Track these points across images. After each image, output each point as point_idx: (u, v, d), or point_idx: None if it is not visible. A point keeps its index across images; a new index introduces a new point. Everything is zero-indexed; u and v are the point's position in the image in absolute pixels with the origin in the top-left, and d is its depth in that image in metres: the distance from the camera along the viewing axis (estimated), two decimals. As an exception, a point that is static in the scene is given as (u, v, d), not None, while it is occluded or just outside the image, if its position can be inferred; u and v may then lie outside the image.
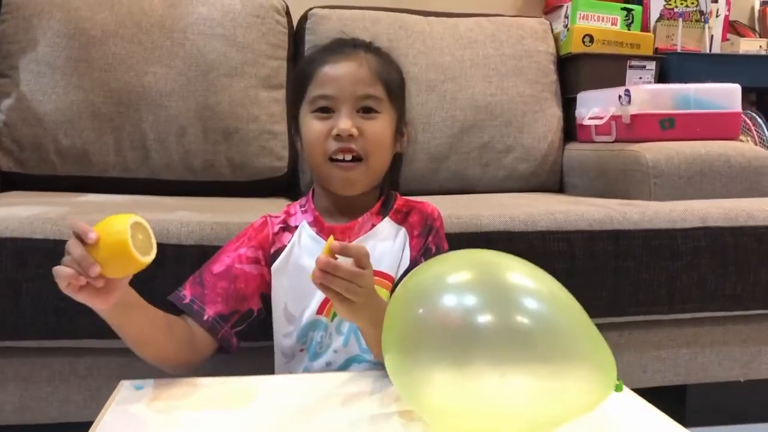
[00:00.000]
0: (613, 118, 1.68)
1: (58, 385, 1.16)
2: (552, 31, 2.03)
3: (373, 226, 1.00)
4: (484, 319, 0.66)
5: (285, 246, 1.00)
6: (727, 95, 1.62)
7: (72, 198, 1.45)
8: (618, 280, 1.26)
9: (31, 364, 1.15)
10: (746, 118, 1.80)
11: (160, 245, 1.11)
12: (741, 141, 1.70)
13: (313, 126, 0.96)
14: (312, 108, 0.97)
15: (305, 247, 0.99)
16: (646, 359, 1.35)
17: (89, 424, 0.75)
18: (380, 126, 0.97)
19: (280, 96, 1.80)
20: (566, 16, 2.04)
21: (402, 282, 0.73)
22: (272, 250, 1.00)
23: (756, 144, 1.77)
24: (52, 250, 1.09)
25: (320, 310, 0.98)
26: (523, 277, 0.71)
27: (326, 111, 0.96)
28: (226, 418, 0.75)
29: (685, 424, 1.42)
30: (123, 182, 1.68)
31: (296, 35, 1.89)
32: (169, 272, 1.12)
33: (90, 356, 1.16)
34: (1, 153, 1.64)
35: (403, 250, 0.99)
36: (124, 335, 0.87)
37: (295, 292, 0.99)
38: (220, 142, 1.72)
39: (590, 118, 1.77)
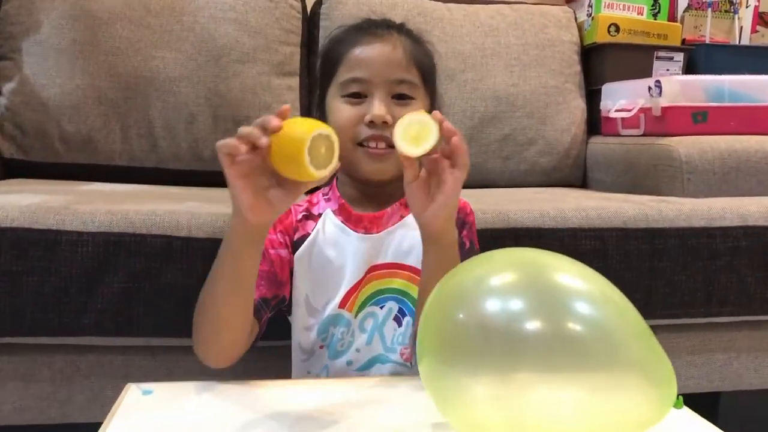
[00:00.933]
0: (642, 110, 1.60)
1: (59, 385, 1.10)
2: (576, 20, 1.95)
3: (402, 217, 0.94)
4: (531, 325, 0.59)
5: (308, 234, 0.93)
6: (763, 88, 1.54)
7: (76, 186, 1.39)
8: (653, 281, 1.19)
9: (32, 361, 1.08)
10: (782, 113, 1.72)
11: (168, 237, 1.06)
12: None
13: (343, 111, 0.90)
14: (343, 92, 0.90)
15: (330, 236, 0.93)
16: (678, 365, 1.27)
17: (92, 425, 0.70)
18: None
19: (294, 83, 1.74)
20: (590, 5, 1.96)
21: (439, 283, 0.66)
22: (296, 237, 0.94)
23: (792, 139, 1.69)
24: (54, 241, 1.02)
25: (343, 304, 0.92)
26: (574, 278, 0.64)
27: (358, 96, 0.89)
28: (242, 426, 0.69)
29: (717, 432, 1.35)
30: (129, 171, 1.61)
31: (310, 20, 1.82)
32: (180, 266, 1.06)
33: (93, 354, 1.10)
34: (2, 139, 1.57)
35: None
36: (236, 272, 0.78)
37: (318, 283, 0.92)
38: (230, 131, 1.61)
39: (617, 111, 1.69)
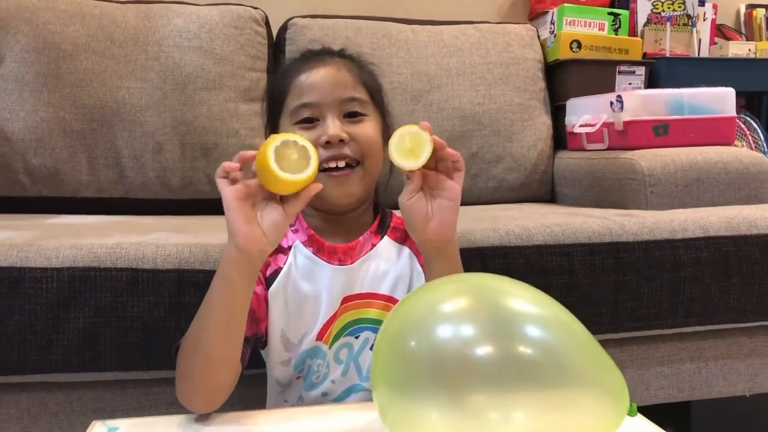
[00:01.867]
0: (605, 125, 1.63)
1: (27, 424, 1.08)
2: (539, 37, 1.98)
3: (373, 245, 0.94)
4: (482, 349, 0.60)
5: (280, 268, 0.92)
6: (721, 99, 1.58)
7: (41, 220, 1.38)
8: (619, 295, 1.20)
9: (-2, 401, 1.07)
10: (740, 123, 1.76)
11: (134, 270, 1.05)
12: (736, 146, 1.66)
13: None
14: (294, 120, 0.90)
15: (303, 269, 0.92)
16: (648, 376, 1.29)
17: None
18: (370, 128, 0.91)
19: (260, 109, 1.74)
20: (552, 22, 2.00)
21: (391, 311, 0.66)
22: (268, 273, 0.92)
23: (751, 148, 1.74)
24: (18, 278, 1.01)
25: (320, 336, 0.91)
26: (522, 302, 0.65)
27: (310, 121, 0.89)
28: None
29: (689, 441, 1.37)
30: (97, 202, 1.61)
31: (276, 46, 1.83)
32: (146, 298, 1.05)
33: (61, 391, 1.08)
34: (-33, 174, 1.56)
35: (412, 270, 0.94)
36: (229, 303, 0.79)
37: (294, 316, 0.91)
38: (198, 158, 1.66)
39: (581, 126, 1.72)
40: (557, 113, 1.90)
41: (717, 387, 1.33)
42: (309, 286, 0.91)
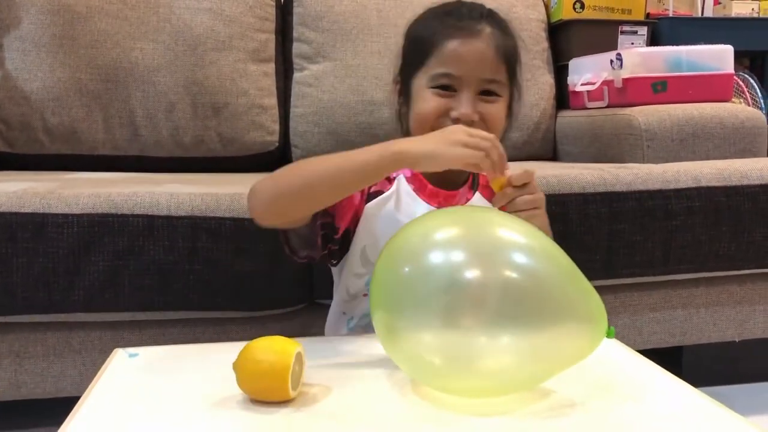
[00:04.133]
0: (605, 83, 1.66)
1: (53, 360, 1.16)
2: (542, -2, 2.01)
3: (468, 200, 0.99)
4: (471, 274, 0.65)
5: (383, 191, 0.95)
6: (720, 56, 1.60)
7: (61, 175, 1.44)
8: (612, 243, 1.25)
9: (25, 339, 1.15)
10: (739, 80, 1.79)
11: (149, 217, 1.12)
12: (734, 103, 1.69)
13: (431, 101, 0.91)
14: (432, 83, 0.91)
15: (403, 201, 0.95)
16: (641, 321, 1.35)
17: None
18: (499, 110, 0.93)
19: (269, 69, 1.79)
20: (556, -17, 2.02)
21: (388, 240, 0.72)
22: (372, 190, 0.95)
23: (749, 105, 1.76)
24: (41, 223, 1.08)
25: None
26: (510, 231, 0.69)
27: (446, 88, 0.91)
28: (225, 383, 0.70)
29: (681, 385, 1.43)
30: (113, 160, 1.67)
31: (284, 7, 1.87)
32: (161, 243, 1.11)
33: (83, 330, 1.16)
34: (-12, 133, 1.62)
35: None
36: (354, 185, 0.85)
37: (379, 239, 0.93)
38: (209, 117, 1.71)
39: (582, 84, 1.75)
40: (561, 73, 1.93)
41: (707, 333, 1.38)
42: (405, 218, 0.92)
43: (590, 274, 1.28)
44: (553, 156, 1.90)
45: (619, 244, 1.26)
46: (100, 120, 1.66)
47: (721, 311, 1.38)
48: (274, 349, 0.67)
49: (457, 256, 0.67)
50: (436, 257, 0.67)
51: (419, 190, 0.96)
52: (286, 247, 0.93)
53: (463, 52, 0.89)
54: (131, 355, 0.85)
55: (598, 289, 1.33)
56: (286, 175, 0.86)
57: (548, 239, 0.70)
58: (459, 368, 0.65)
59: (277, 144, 1.76)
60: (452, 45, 0.90)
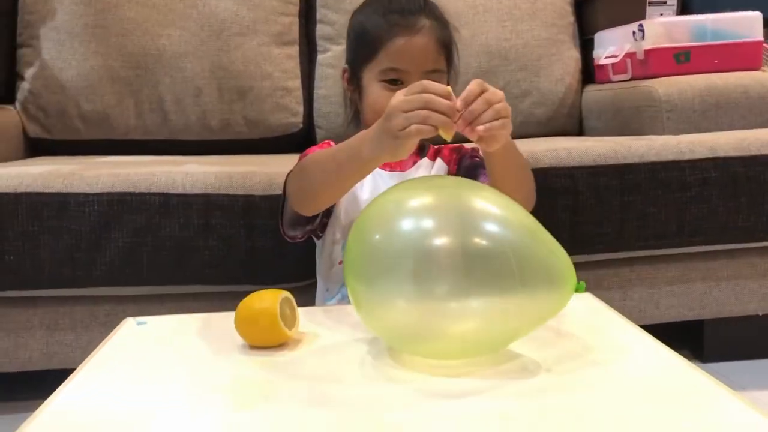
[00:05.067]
0: (628, 55, 1.64)
1: (80, 332, 1.23)
2: (569, -29, 1.98)
3: (414, 162, 1.10)
4: (441, 241, 0.66)
5: None
6: (747, 24, 1.56)
7: (90, 159, 1.51)
8: (624, 214, 1.24)
9: (54, 312, 1.22)
10: (769, 48, 1.73)
11: (165, 195, 1.17)
12: (764, 71, 1.64)
13: (381, 95, 1.01)
14: (381, 77, 1.02)
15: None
16: (658, 295, 1.33)
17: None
18: None
19: (293, 52, 1.82)
20: (584, -44, 1.98)
21: (362, 210, 0.74)
22: None
23: (780, 74, 1.70)
24: (64, 202, 1.14)
25: None
26: (480, 200, 0.70)
27: (394, 82, 1.01)
28: (230, 352, 0.75)
29: (703, 360, 1.41)
30: (144, 144, 1.74)
31: (307, -10, 1.90)
32: (176, 220, 1.16)
33: (109, 304, 1.22)
34: (27, 120, 1.71)
35: (447, 172, 1.10)
36: (355, 177, 0.91)
37: (351, 204, 1.05)
38: (235, 101, 1.76)
39: (606, 57, 1.73)
40: (587, 47, 1.91)
41: (728, 306, 1.36)
42: (371, 186, 1.05)
43: (602, 247, 1.29)
44: (580, 131, 1.88)
45: (632, 216, 1.25)
46: (131, 106, 1.72)
47: (743, 284, 1.35)
48: (265, 296, 0.77)
49: (425, 223, 0.68)
50: (405, 225, 0.69)
51: None
52: (280, 226, 1.02)
53: (408, 48, 1.00)
54: (139, 323, 0.89)
55: (611, 261, 1.33)
56: (304, 174, 0.95)
57: (515, 203, 0.71)
58: (428, 332, 0.67)
59: (301, 125, 1.80)
60: (398, 42, 1.01)
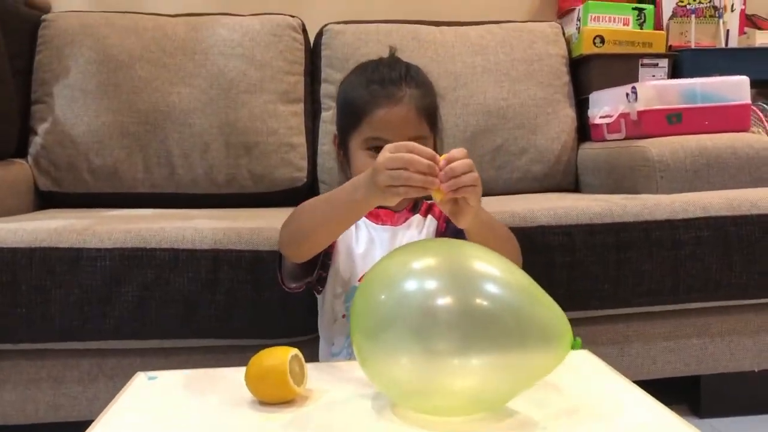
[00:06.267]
0: (622, 115, 1.70)
1: (87, 385, 1.25)
2: (564, 34, 2.06)
3: (406, 219, 1.13)
4: (443, 300, 0.69)
5: None
6: (735, 87, 1.62)
7: (101, 212, 1.55)
8: (620, 272, 1.28)
9: (62, 365, 1.24)
10: (757, 110, 1.79)
11: (174, 250, 1.20)
12: (753, 133, 1.70)
13: (366, 162, 1.04)
14: (365, 146, 1.08)
15: (361, 226, 1.11)
16: (655, 350, 1.36)
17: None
18: None
19: (299, 109, 1.88)
20: (578, 19, 2.07)
21: (371, 269, 0.77)
22: None
23: (768, 135, 1.76)
24: (77, 257, 1.18)
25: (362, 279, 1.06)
26: (481, 262, 0.74)
27: (379, 150, 1.02)
28: (240, 406, 0.78)
29: (700, 415, 1.43)
30: (152, 197, 1.78)
31: (313, 51, 1.97)
32: (185, 275, 1.20)
33: (115, 357, 1.24)
34: (39, 173, 1.75)
35: (437, 228, 1.13)
36: (348, 221, 0.96)
37: (350, 258, 1.08)
38: (241, 156, 1.81)
39: (601, 117, 1.79)
40: (582, 106, 1.97)
41: (724, 362, 1.39)
42: (366, 239, 1.10)
43: (599, 303, 1.32)
44: (576, 188, 1.93)
45: (627, 273, 1.28)
46: (140, 160, 1.77)
47: (738, 340, 1.38)
48: (275, 353, 0.80)
49: (428, 284, 0.72)
50: (409, 285, 0.72)
51: (369, 214, 1.10)
52: (279, 277, 1.06)
53: (389, 118, 1.05)
54: (150, 378, 0.92)
55: (608, 318, 1.36)
56: (298, 218, 1.00)
57: (513, 265, 0.75)
58: (429, 387, 0.70)
59: (305, 180, 1.85)
60: (379, 114, 1.06)
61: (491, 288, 0.71)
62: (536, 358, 0.70)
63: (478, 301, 0.70)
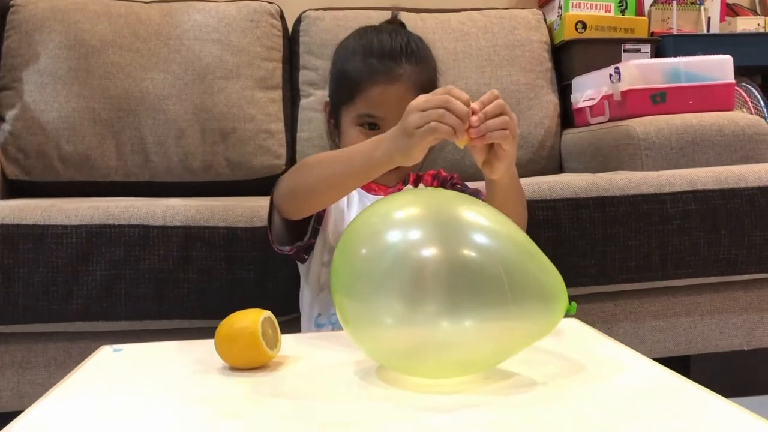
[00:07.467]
0: (605, 97, 1.67)
1: (54, 371, 1.19)
2: (546, 21, 2.04)
3: (399, 190, 1.09)
4: (429, 252, 0.64)
5: None
6: (719, 67, 1.61)
7: (71, 202, 1.49)
8: (607, 247, 1.25)
9: (27, 350, 1.18)
10: (741, 90, 1.78)
11: (145, 227, 1.15)
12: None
13: (358, 138, 1.00)
14: (359, 121, 1.03)
15: (353, 196, 1.07)
16: (643, 330, 1.32)
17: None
18: None
19: (276, 96, 1.84)
20: (560, 7, 2.05)
21: (350, 223, 0.73)
22: None
23: (752, 115, 1.75)
24: (41, 235, 1.12)
25: None
26: (469, 212, 0.69)
27: (372, 126, 1.02)
28: (210, 372, 0.74)
29: (690, 397, 1.39)
30: (125, 186, 1.73)
31: (291, 37, 1.93)
32: (156, 253, 1.14)
33: (84, 341, 1.19)
34: (7, 161, 1.69)
35: None
36: (362, 179, 0.90)
37: (338, 226, 1.04)
38: (218, 143, 1.76)
39: (584, 101, 1.77)
40: (565, 93, 1.95)
41: (714, 341, 1.35)
42: (357, 208, 1.05)
43: (585, 280, 1.29)
44: (560, 173, 1.90)
45: (614, 249, 1.25)
46: (113, 147, 1.72)
47: (728, 318, 1.35)
48: (246, 315, 0.76)
49: (414, 235, 0.66)
50: (393, 237, 0.67)
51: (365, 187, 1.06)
52: (270, 236, 1.01)
53: (386, 97, 1.00)
54: (116, 350, 0.87)
55: (595, 295, 1.33)
56: (306, 171, 0.94)
57: (507, 219, 0.71)
58: (416, 349, 0.65)
59: (284, 167, 1.80)
60: (375, 90, 1.01)
61: (480, 239, 0.66)
62: (530, 319, 0.65)
63: (468, 253, 0.64)
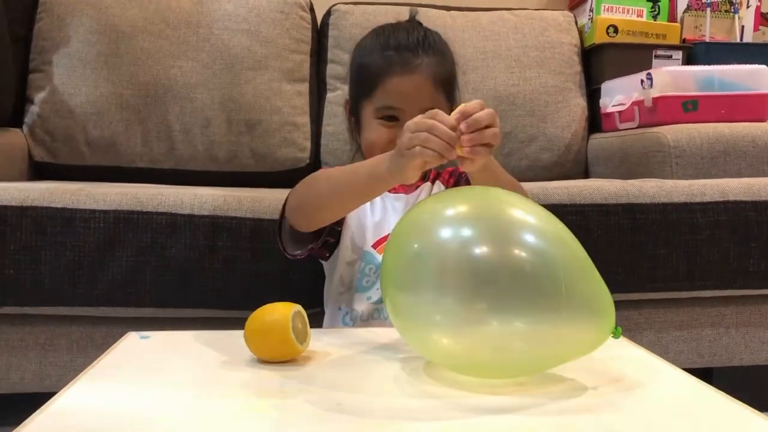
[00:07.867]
0: (636, 103, 1.65)
1: (76, 354, 1.19)
2: (576, 24, 2.02)
3: (418, 187, 1.10)
4: (480, 250, 0.63)
5: None
6: (754, 76, 1.58)
7: (100, 186, 1.50)
8: (634, 255, 1.23)
9: (50, 332, 1.18)
10: (775, 101, 1.75)
11: (172, 215, 1.15)
12: (770, 124, 1.66)
13: (378, 131, 1.03)
14: (379, 114, 1.04)
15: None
16: (667, 339, 1.31)
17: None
18: None
19: (303, 89, 1.83)
20: (591, 10, 2.03)
21: (400, 219, 0.72)
22: None
23: (786, 127, 1.72)
24: (70, 218, 1.12)
25: (376, 245, 1.04)
26: (524, 213, 0.67)
27: (391, 118, 1.02)
28: (238, 363, 0.73)
29: (711, 410, 1.37)
30: (150, 172, 1.72)
31: (320, 30, 1.92)
32: (182, 241, 1.14)
33: (106, 326, 1.19)
34: (34, 143, 1.70)
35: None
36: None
37: (362, 226, 1.05)
38: (243, 133, 1.76)
39: (613, 106, 1.75)
40: (593, 97, 1.93)
41: (738, 354, 1.34)
42: (380, 209, 1.06)
43: (612, 287, 1.25)
44: (585, 177, 1.89)
45: (642, 257, 1.23)
46: (139, 134, 1.72)
47: (753, 332, 1.33)
48: (277, 308, 0.76)
49: (469, 233, 0.65)
50: (446, 233, 0.66)
51: None
52: (280, 243, 1.02)
53: (404, 87, 1.01)
54: (143, 337, 0.87)
55: (620, 303, 1.31)
56: (314, 185, 0.96)
57: (563, 226, 0.69)
58: (469, 351, 0.64)
59: (308, 161, 1.80)
60: (393, 81, 1.01)
61: (536, 243, 0.65)
62: (578, 330, 0.64)
63: (521, 254, 0.63)
